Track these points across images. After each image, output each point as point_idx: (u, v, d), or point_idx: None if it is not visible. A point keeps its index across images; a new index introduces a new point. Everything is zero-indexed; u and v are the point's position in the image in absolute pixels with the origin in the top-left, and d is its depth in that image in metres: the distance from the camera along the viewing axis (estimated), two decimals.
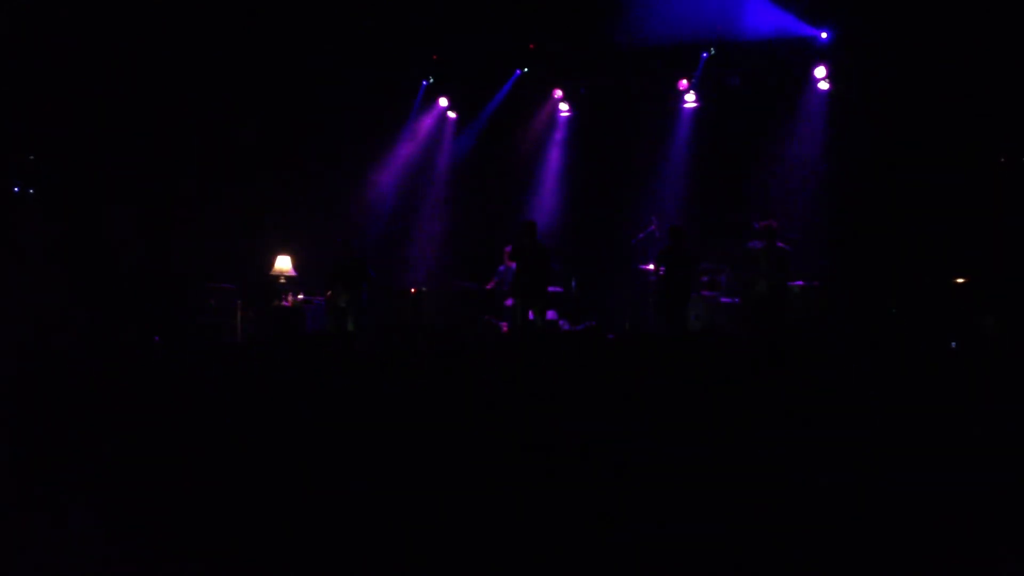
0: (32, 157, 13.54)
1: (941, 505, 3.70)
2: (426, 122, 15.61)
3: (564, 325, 13.05)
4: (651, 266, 12.47)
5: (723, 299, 12.68)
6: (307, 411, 5.12)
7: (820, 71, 13.11)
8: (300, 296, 13.32)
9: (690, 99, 14.08)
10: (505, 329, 12.45)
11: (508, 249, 12.79)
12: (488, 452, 4.30)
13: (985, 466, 3.85)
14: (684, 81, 13.99)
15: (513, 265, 12.33)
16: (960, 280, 11.26)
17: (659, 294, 12.29)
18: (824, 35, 13.04)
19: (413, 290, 13.41)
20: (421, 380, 5.87)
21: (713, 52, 13.72)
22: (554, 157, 15.30)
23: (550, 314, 12.72)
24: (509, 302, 12.54)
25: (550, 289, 12.47)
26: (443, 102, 15.43)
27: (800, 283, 11.93)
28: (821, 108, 13.31)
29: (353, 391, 5.58)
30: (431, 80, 15.29)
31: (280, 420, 4.99)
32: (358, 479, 4.10)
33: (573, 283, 13.58)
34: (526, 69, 14.83)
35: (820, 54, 13.11)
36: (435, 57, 14.91)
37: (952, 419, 4.36)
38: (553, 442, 4.34)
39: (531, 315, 11.95)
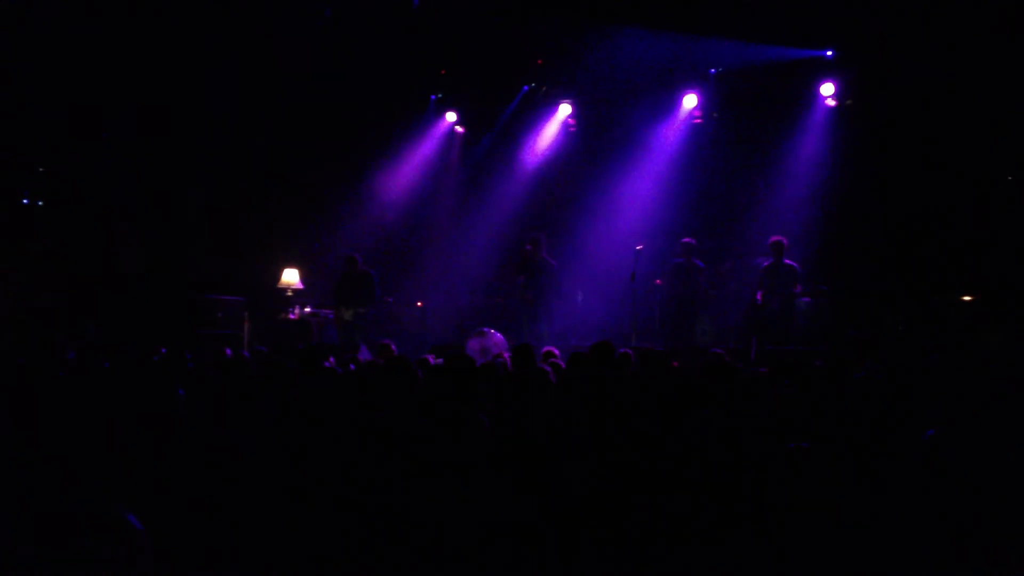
0: (41, 169, 13.62)
1: (942, 520, 3.70)
2: (434, 136, 15.66)
3: (571, 340, 13.03)
4: (659, 281, 12.47)
5: (730, 314, 12.68)
6: (308, 423, 5.13)
7: (827, 88, 13.13)
8: (307, 309, 13.34)
9: (696, 115, 14.11)
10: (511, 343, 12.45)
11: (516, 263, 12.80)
12: (490, 468, 4.29)
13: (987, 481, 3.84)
14: (690, 96, 14.02)
15: (519, 279, 12.34)
16: (967, 297, 11.24)
17: (667, 308, 12.30)
18: (829, 53, 13.08)
19: (420, 304, 13.42)
20: (424, 394, 5.87)
21: (720, 70, 13.79)
22: (561, 171, 15.32)
23: (556, 328, 12.72)
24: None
25: (557, 303, 12.47)
26: (451, 117, 15.49)
27: (807, 300, 11.93)
28: (828, 124, 13.33)
29: (353, 405, 5.58)
30: (439, 95, 15.36)
31: (282, 432, 4.99)
32: (358, 493, 4.10)
33: (579, 297, 13.57)
34: (533, 84, 14.89)
35: (826, 71, 13.14)
36: (443, 72, 14.98)
37: (956, 433, 4.34)
38: (558, 454, 4.34)
39: (537, 329, 11.96)
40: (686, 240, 12.26)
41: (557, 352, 8.21)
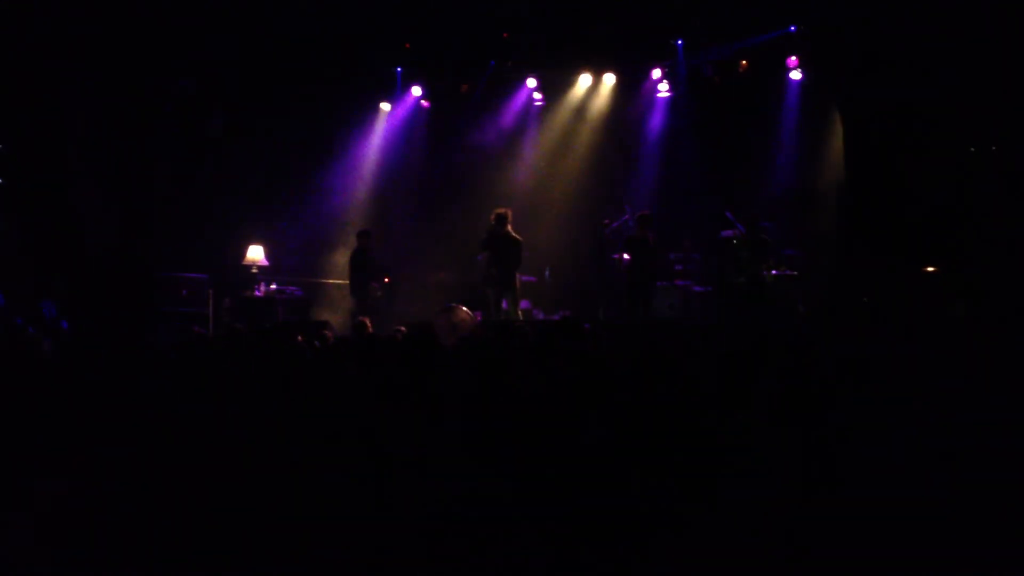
0: (0, 147, 13.35)
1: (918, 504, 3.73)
2: (400, 111, 15.50)
3: (538, 315, 13.04)
4: (627, 255, 12.49)
5: (696, 288, 12.72)
6: (278, 402, 5.08)
7: (792, 62, 13.16)
8: (273, 286, 13.25)
9: (663, 88, 14.09)
10: (479, 318, 12.42)
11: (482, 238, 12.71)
12: (457, 445, 4.28)
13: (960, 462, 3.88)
14: (658, 70, 14.00)
15: (486, 254, 12.26)
16: (931, 269, 11.35)
17: (627, 282, 12.30)
18: (792, 29, 13.09)
19: (387, 280, 13.33)
20: (393, 371, 5.84)
21: (686, 41, 13.75)
22: (528, 146, 15.23)
23: (524, 303, 12.70)
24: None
25: (524, 278, 12.44)
26: (416, 91, 15.32)
27: (775, 272, 11.98)
28: (795, 97, 13.37)
29: (325, 381, 5.54)
30: (404, 69, 15.17)
31: (252, 411, 4.95)
32: (329, 471, 4.08)
33: (547, 272, 13.55)
34: (500, 59, 14.76)
35: (792, 45, 13.15)
36: (408, 46, 14.80)
37: (925, 409, 4.38)
38: (523, 433, 4.33)
39: (504, 304, 11.93)
40: (643, 212, 12.25)
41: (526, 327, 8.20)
